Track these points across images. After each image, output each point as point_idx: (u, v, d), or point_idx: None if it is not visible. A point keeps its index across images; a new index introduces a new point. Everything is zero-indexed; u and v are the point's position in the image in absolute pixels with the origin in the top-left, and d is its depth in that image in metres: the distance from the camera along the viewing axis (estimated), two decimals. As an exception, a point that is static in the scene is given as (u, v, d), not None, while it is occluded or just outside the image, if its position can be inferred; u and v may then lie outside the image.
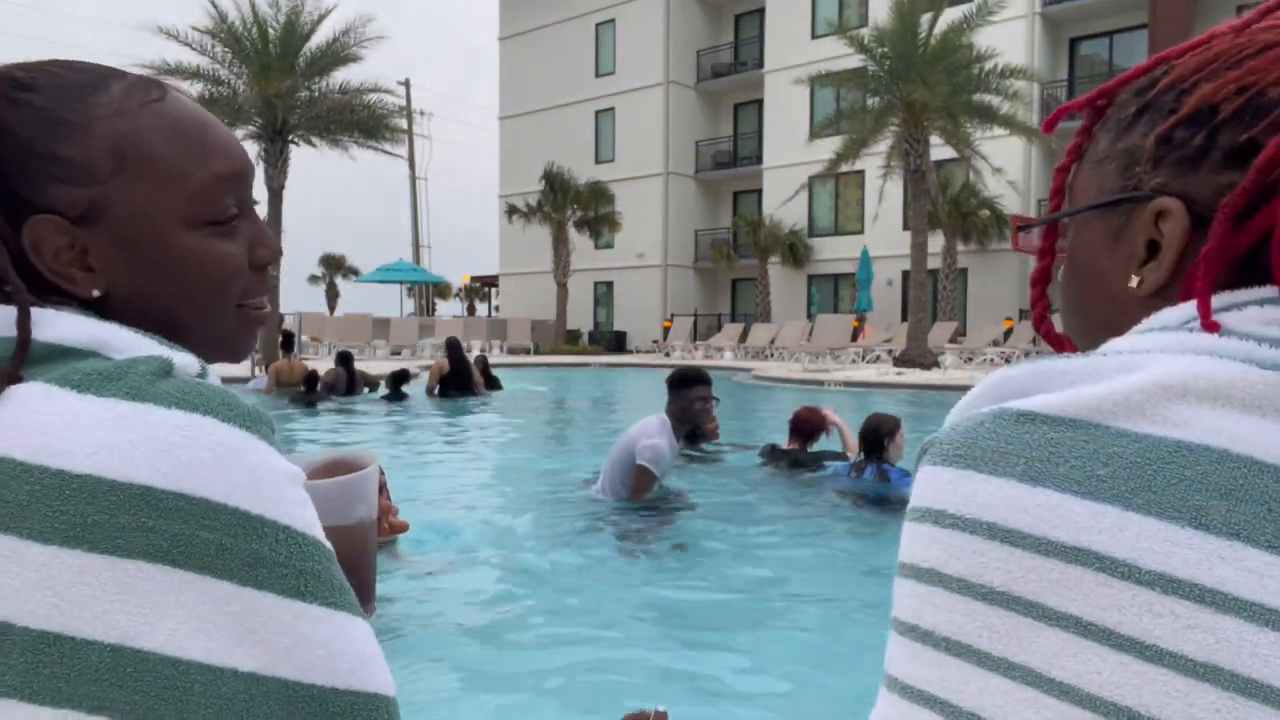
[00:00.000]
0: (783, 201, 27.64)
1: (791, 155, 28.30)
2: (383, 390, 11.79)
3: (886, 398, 12.33)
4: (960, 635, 0.48)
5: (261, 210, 0.83)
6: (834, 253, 28.04)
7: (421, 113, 38.93)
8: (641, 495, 4.85)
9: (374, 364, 16.75)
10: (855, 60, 20.64)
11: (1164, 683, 0.43)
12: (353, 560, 0.78)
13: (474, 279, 46.80)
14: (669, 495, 5.08)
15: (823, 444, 6.14)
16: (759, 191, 30.23)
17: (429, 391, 12.04)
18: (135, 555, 0.53)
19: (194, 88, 18.79)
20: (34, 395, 0.56)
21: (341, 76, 20.61)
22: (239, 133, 18.37)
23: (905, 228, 23.75)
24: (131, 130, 0.65)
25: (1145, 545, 0.45)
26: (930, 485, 0.51)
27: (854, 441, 5.79)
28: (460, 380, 12.04)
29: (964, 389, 0.56)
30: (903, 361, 18.99)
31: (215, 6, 19.26)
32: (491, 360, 14.04)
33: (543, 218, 26.77)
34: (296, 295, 45.91)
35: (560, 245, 26.81)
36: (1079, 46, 24.87)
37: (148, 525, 0.53)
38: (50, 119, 0.63)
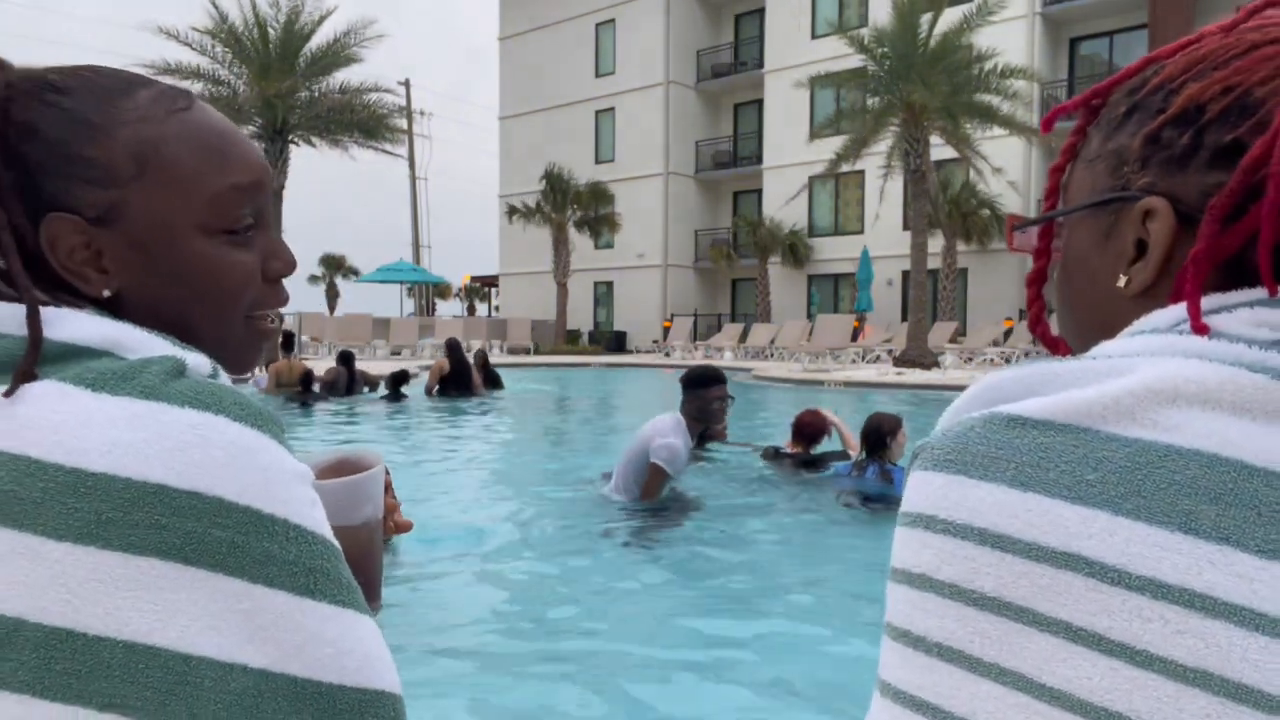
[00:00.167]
0: (784, 202, 27.67)
1: (791, 155, 28.31)
2: (382, 390, 11.79)
3: (886, 398, 12.33)
4: (952, 641, 0.48)
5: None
6: (834, 253, 28.04)
7: (421, 113, 38.97)
8: (653, 495, 4.83)
9: (374, 364, 16.75)
10: (855, 60, 20.65)
11: (1154, 688, 0.43)
12: (359, 559, 0.78)
13: (474, 279, 46.81)
14: (679, 495, 5.07)
15: (824, 445, 6.16)
16: (759, 191, 30.24)
17: (428, 391, 12.04)
18: (148, 553, 0.54)
19: (194, 88, 18.80)
20: (49, 393, 0.56)
21: (342, 77, 20.64)
22: (239, 133, 18.34)
23: (905, 228, 23.76)
24: (155, 136, 0.66)
25: (1135, 550, 0.44)
26: (921, 490, 0.51)
27: (854, 440, 5.80)
28: (460, 381, 12.05)
29: (964, 389, 0.56)
30: (903, 361, 19.00)
31: (216, 7, 19.27)
32: (492, 360, 14.01)
33: (543, 218, 26.77)
34: (296, 295, 45.44)
35: (560, 245, 26.81)
36: (1079, 46, 24.87)
37: (161, 523, 0.54)
38: (78, 121, 0.65)
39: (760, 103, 30.33)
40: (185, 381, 0.59)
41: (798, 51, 28.23)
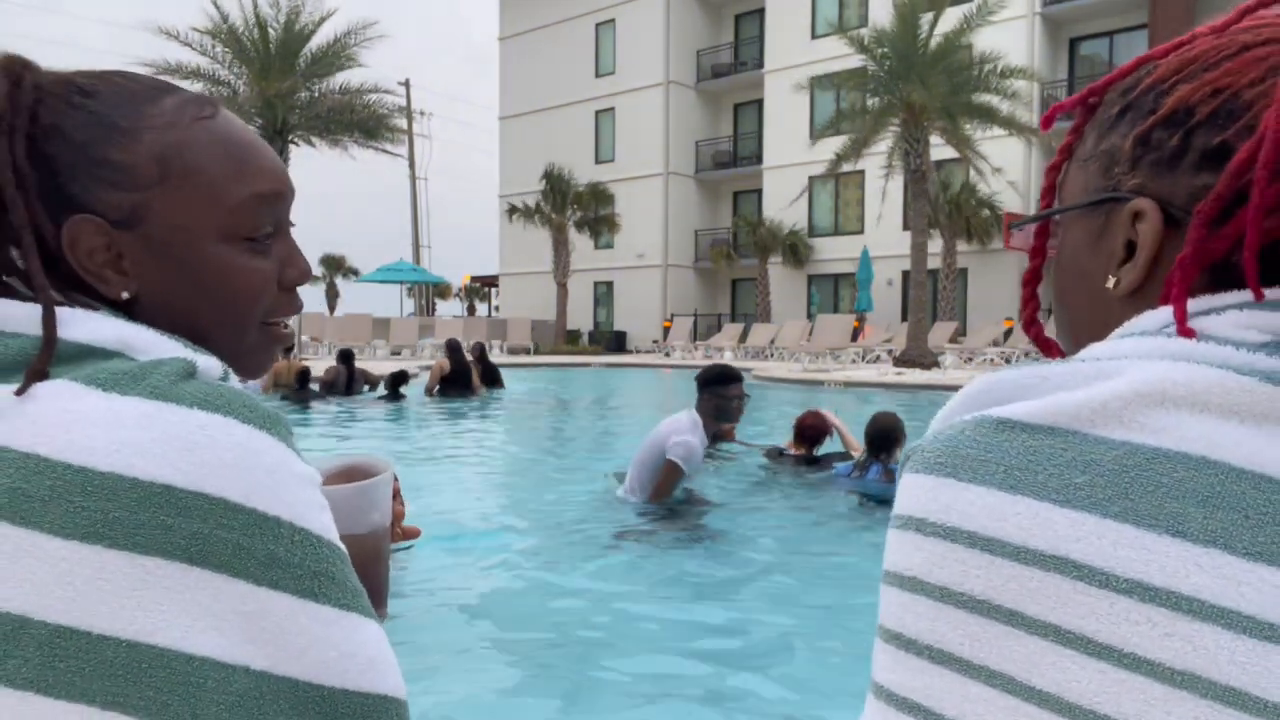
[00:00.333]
0: (787, 204, 27.68)
1: (791, 155, 28.31)
2: (381, 390, 11.79)
3: (886, 398, 12.33)
4: (942, 643, 0.48)
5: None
6: (834, 253, 28.04)
7: (421, 113, 38.99)
8: (666, 493, 4.83)
9: (374, 364, 16.75)
10: (855, 60, 20.65)
11: (1142, 690, 0.43)
12: (366, 565, 0.78)
13: (474, 279, 46.80)
14: (692, 495, 5.06)
15: (825, 447, 6.17)
16: (759, 191, 30.24)
17: (429, 392, 12.04)
18: (154, 553, 0.54)
19: (194, 87, 18.78)
20: (60, 393, 0.57)
21: (342, 77, 20.65)
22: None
23: (905, 228, 23.75)
24: (180, 142, 0.67)
25: (1122, 553, 0.45)
26: (912, 493, 0.51)
27: (855, 442, 5.81)
28: (460, 381, 12.07)
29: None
30: (903, 361, 19.00)
31: (217, 7, 19.28)
32: (492, 360, 13.99)
33: (542, 218, 26.77)
34: (297, 295, 45.74)
35: (560, 245, 26.82)
36: (1079, 46, 24.87)
37: (167, 523, 0.54)
38: (104, 124, 0.65)
39: (760, 103, 30.33)
40: (195, 383, 0.59)
41: (798, 51, 28.23)
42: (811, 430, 6.10)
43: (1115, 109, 0.59)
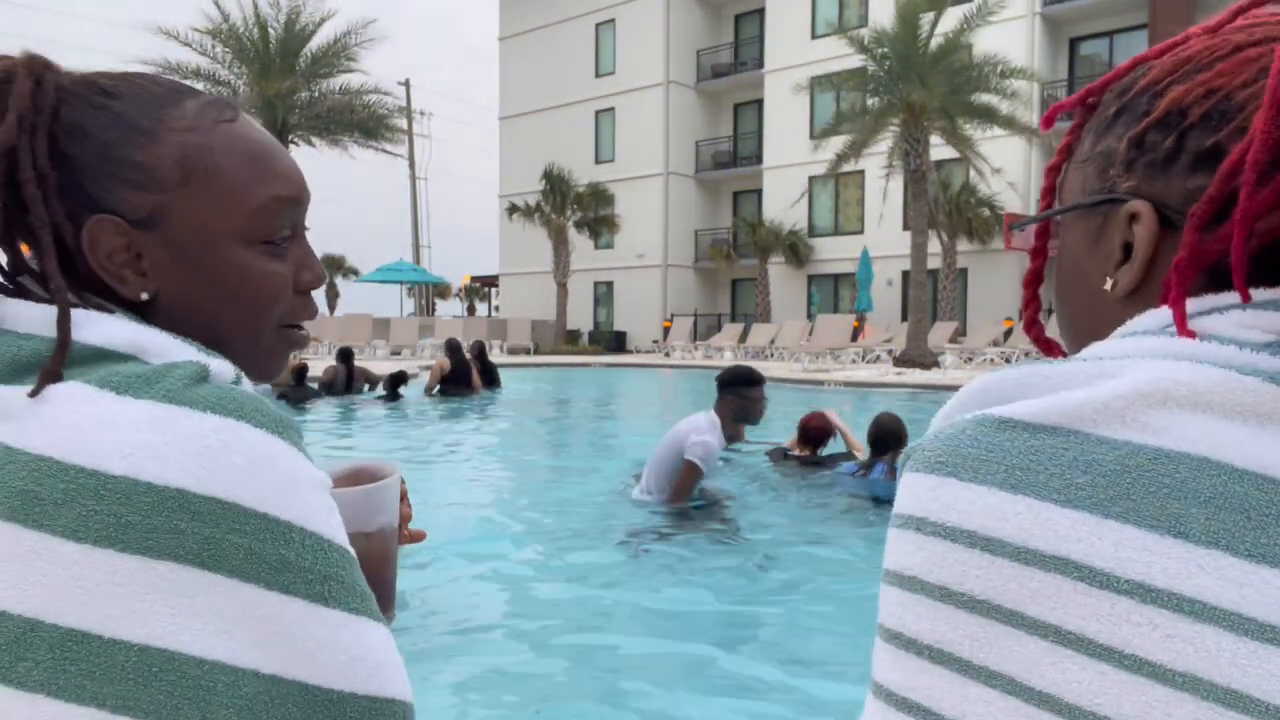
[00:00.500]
0: (789, 205, 27.67)
1: (791, 155, 28.31)
2: (380, 390, 11.79)
3: (886, 398, 12.33)
4: (942, 643, 0.48)
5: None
6: (834, 253, 28.03)
7: (421, 113, 38.99)
8: (685, 494, 4.82)
9: (374, 364, 16.75)
10: (855, 60, 20.65)
11: (1143, 692, 0.43)
12: (374, 568, 0.78)
13: (474, 279, 46.79)
14: (707, 494, 5.06)
15: (828, 448, 6.17)
16: (759, 191, 30.23)
17: (428, 391, 12.04)
18: (166, 557, 0.54)
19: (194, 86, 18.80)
20: (74, 395, 0.57)
21: (342, 77, 20.64)
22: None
23: (905, 228, 23.75)
24: (202, 145, 0.67)
25: (1124, 554, 0.44)
26: (912, 492, 0.51)
27: (858, 443, 5.81)
28: (460, 380, 12.08)
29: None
30: (903, 361, 19.00)
31: (218, 6, 19.28)
32: (492, 360, 13.99)
33: (542, 218, 26.77)
34: (297, 295, 45.69)
35: (560, 245, 26.81)
36: (1079, 46, 24.87)
37: (180, 527, 0.54)
38: (127, 125, 0.66)
39: (760, 103, 30.32)
40: (207, 387, 0.59)
41: (798, 51, 28.22)
42: (817, 431, 6.10)
43: (1111, 110, 0.59)
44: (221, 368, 0.63)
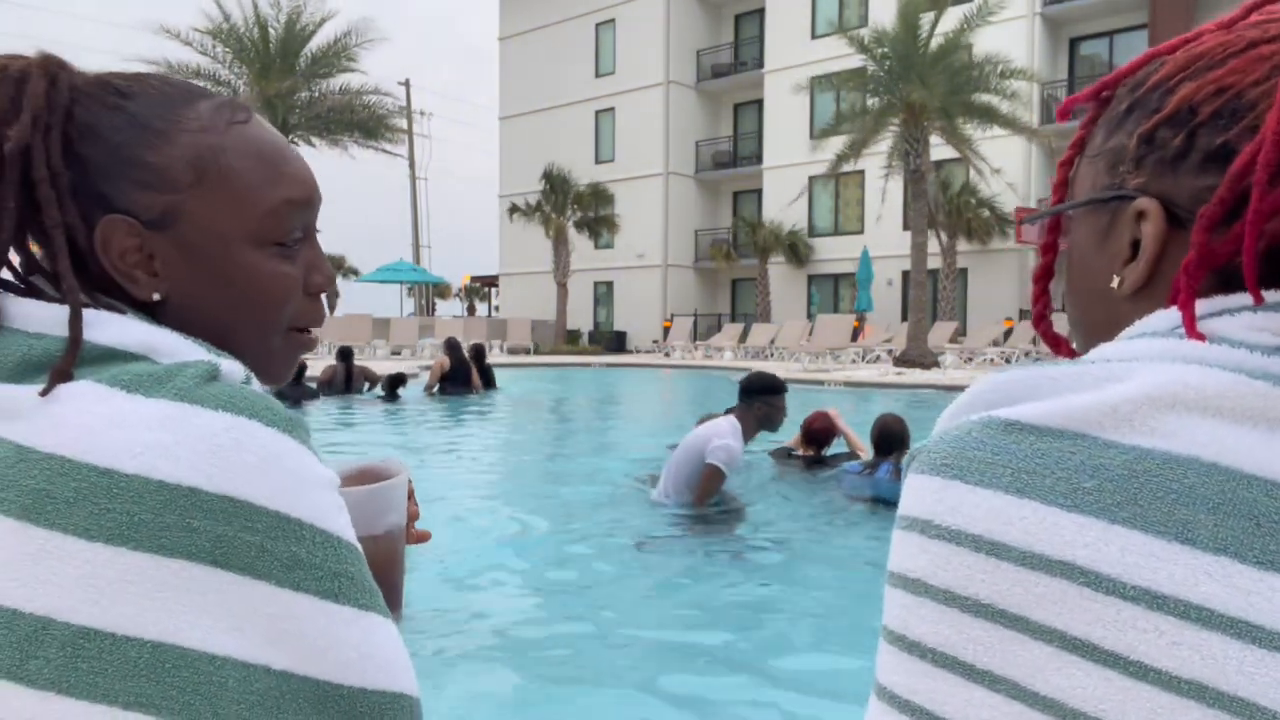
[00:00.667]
0: (787, 204, 27.66)
1: (791, 155, 28.31)
2: (379, 390, 11.80)
3: (886, 398, 12.33)
4: (946, 647, 0.47)
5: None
6: (834, 253, 28.03)
7: (421, 113, 38.99)
8: (708, 498, 4.82)
9: (374, 364, 16.75)
10: (855, 60, 20.65)
11: (1148, 699, 0.42)
12: (382, 567, 0.78)
13: (474, 279, 46.79)
14: (724, 497, 5.05)
15: (831, 449, 6.17)
16: (759, 191, 30.23)
17: (428, 390, 12.05)
18: (179, 555, 0.54)
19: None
20: (85, 394, 0.57)
21: (342, 77, 20.64)
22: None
23: (905, 228, 23.75)
24: (215, 146, 0.67)
25: (1131, 560, 0.44)
26: (918, 494, 0.51)
27: (861, 444, 5.81)
28: (460, 378, 12.11)
29: (964, 389, 0.56)
30: (903, 361, 18.99)
31: (219, 6, 19.28)
32: (491, 360, 14.01)
33: (542, 218, 26.76)
34: (296, 295, 45.69)
35: (560, 245, 26.81)
36: (1079, 46, 24.87)
37: (192, 525, 0.55)
38: (141, 126, 0.66)
39: (760, 103, 30.32)
40: (218, 386, 0.60)
41: (798, 51, 28.22)
42: (821, 432, 6.10)
43: (1123, 105, 0.58)
44: (232, 367, 0.63)
